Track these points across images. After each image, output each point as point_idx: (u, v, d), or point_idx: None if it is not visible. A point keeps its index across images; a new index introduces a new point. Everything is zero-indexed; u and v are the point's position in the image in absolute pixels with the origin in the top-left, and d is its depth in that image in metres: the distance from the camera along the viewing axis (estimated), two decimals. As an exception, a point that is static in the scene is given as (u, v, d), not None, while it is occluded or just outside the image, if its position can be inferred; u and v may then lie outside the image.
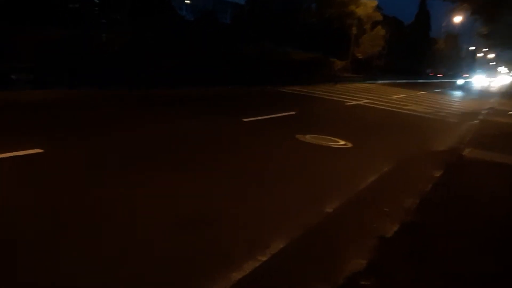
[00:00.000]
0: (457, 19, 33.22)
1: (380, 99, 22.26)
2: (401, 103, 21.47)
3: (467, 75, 72.92)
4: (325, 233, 4.73)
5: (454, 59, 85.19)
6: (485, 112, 21.36)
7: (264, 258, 3.92)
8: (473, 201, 6.25)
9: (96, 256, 3.68)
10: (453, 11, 29.48)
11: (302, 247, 4.31)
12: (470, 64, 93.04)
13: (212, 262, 3.80)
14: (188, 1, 42.17)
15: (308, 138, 9.51)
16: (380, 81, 40.19)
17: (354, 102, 19.21)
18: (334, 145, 9.28)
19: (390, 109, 18.39)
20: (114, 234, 4.10)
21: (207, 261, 3.80)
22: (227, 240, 4.25)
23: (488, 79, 78.84)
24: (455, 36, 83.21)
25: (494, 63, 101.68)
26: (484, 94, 42.80)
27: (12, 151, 5.92)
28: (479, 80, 71.52)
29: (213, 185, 5.83)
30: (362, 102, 19.85)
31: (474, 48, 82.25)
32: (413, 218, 5.12)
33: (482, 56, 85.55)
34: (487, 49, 60.69)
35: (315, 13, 43.77)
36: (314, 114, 14.48)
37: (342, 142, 9.53)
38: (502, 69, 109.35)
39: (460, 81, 59.90)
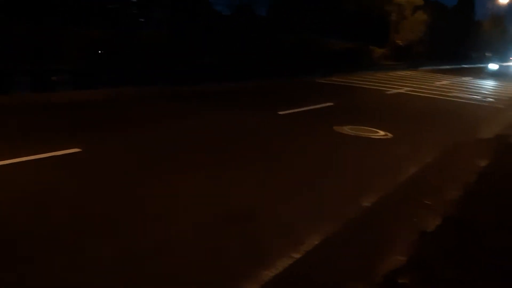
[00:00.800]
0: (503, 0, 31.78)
1: (422, 86, 21.56)
2: (445, 90, 20.72)
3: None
4: (363, 229, 4.56)
5: (501, 43, 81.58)
6: (536, 96, 20.34)
7: (297, 255, 3.81)
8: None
9: (132, 252, 3.69)
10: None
11: (338, 244, 4.16)
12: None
13: (245, 259, 3.72)
14: (224, -4, 42.23)
15: (346, 129, 9.29)
16: (422, 68, 38.99)
17: (395, 91, 18.68)
18: (374, 136, 9.02)
19: (433, 96, 17.76)
20: (151, 230, 4.11)
21: (240, 258, 3.73)
22: (260, 236, 4.16)
23: None
24: (501, 18, 79.74)
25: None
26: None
27: (52, 151, 6.09)
28: None
29: (246, 179, 5.76)
30: (403, 90, 19.27)
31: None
32: (457, 211, 4.87)
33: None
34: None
35: (353, 1, 42.91)
36: (353, 105, 14.15)
37: (382, 133, 9.26)
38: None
39: (492, 66, 48.51)
